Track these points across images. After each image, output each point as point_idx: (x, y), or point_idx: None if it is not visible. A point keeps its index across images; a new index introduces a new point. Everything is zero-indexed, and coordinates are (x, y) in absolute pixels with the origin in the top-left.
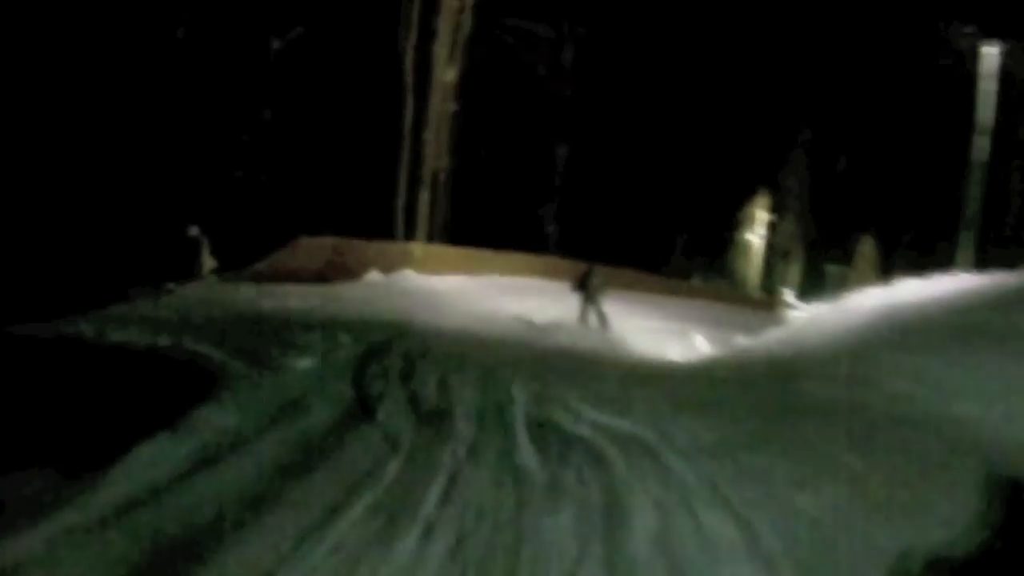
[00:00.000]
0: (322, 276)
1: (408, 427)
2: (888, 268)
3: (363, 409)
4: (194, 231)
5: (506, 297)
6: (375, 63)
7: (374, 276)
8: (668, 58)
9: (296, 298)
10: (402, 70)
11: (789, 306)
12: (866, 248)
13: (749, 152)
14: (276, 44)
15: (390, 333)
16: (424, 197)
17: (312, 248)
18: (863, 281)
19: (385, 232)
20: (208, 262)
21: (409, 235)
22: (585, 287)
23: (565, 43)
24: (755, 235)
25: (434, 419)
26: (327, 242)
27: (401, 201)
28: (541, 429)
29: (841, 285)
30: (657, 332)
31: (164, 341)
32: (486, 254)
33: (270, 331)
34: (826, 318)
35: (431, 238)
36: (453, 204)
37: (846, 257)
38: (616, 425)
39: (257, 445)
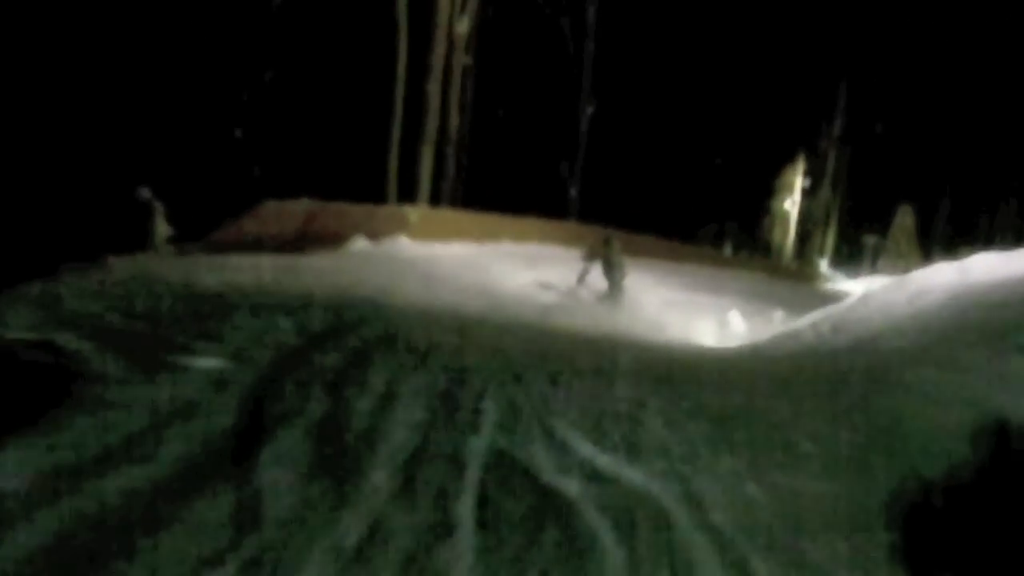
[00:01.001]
0: (295, 244)
1: (295, 481)
2: (926, 240)
3: (236, 452)
4: (145, 194)
5: (516, 268)
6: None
7: (359, 244)
8: (700, 12)
9: (252, 271)
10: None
11: (825, 277)
12: (904, 218)
13: (785, 114)
14: None
15: (352, 315)
16: (427, 156)
17: (283, 212)
18: (900, 252)
19: (378, 196)
20: (162, 229)
21: (406, 198)
22: (601, 257)
23: None
24: (791, 203)
25: (345, 463)
26: (301, 205)
27: (394, 160)
28: (504, 481)
29: (877, 256)
30: (685, 306)
31: (30, 335)
32: (497, 219)
33: (189, 317)
34: (889, 300)
35: (437, 202)
36: (467, 166)
37: (882, 227)
38: (620, 476)
39: (38, 521)
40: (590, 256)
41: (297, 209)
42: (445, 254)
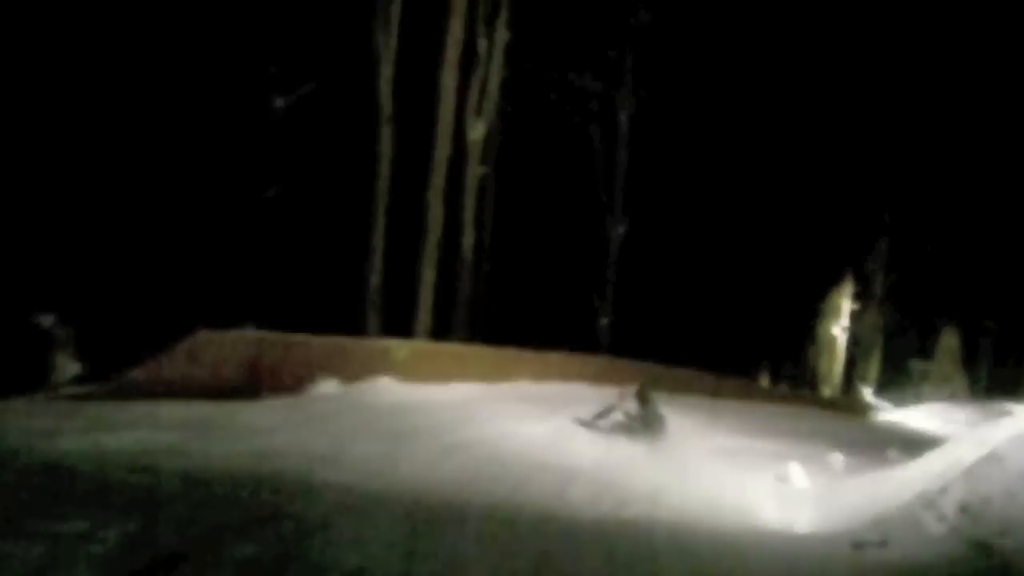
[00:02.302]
0: (236, 388)
1: None
2: (972, 362)
3: None
4: (47, 322)
5: (532, 414)
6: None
7: (325, 387)
8: (743, 126)
9: (147, 429)
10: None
11: (873, 408)
12: (949, 340)
13: (830, 235)
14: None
15: (238, 512)
16: (428, 279)
17: (222, 345)
18: (945, 376)
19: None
20: (68, 366)
21: (401, 330)
22: (637, 406)
23: (620, 99)
24: (839, 327)
25: None
26: (245, 337)
27: (375, 280)
28: None
29: (924, 381)
30: (734, 455)
31: None
32: (511, 354)
33: None
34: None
35: (446, 334)
36: (484, 291)
37: (924, 349)
38: None
39: None
40: (621, 403)
41: (240, 341)
42: (439, 399)
